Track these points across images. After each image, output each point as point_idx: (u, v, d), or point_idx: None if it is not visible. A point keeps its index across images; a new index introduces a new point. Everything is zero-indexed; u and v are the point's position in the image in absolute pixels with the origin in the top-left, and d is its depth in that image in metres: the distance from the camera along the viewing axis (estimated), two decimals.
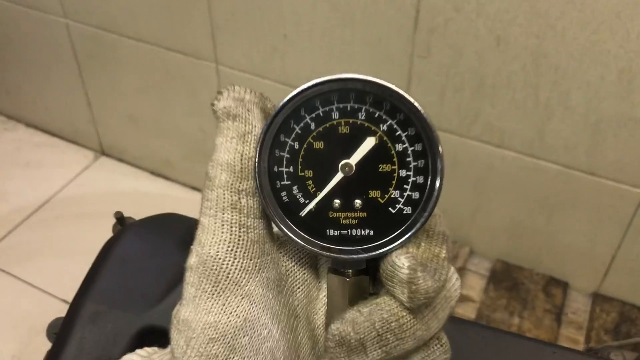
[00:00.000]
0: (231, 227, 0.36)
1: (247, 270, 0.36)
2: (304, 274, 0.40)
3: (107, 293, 0.49)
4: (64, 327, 0.50)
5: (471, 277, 1.56)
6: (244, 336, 0.35)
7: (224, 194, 0.36)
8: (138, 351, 0.39)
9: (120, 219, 0.61)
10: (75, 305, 0.52)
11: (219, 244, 0.35)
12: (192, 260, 0.36)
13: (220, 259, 0.35)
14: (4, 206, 1.97)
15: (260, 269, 0.36)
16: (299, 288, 0.40)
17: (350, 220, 0.38)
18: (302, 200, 0.38)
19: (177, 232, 0.55)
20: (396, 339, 0.35)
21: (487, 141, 1.42)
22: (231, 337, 0.35)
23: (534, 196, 1.46)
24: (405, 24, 1.33)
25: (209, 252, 0.35)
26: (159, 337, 0.48)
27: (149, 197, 1.97)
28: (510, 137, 1.39)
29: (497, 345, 0.53)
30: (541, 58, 1.25)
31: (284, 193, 0.38)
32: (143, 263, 0.43)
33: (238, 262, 0.35)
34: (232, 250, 0.35)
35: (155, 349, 0.39)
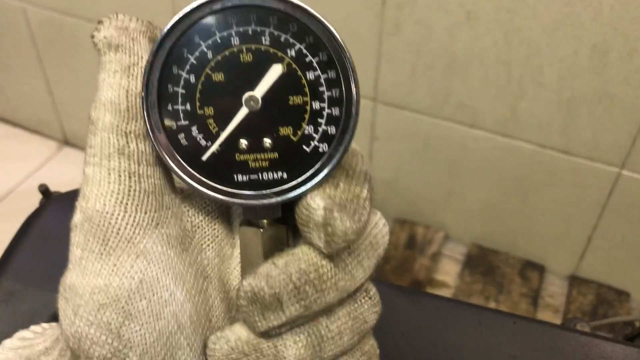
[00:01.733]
0: (119, 175, 0.30)
1: (142, 225, 0.31)
2: (214, 229, 0.35)
3: (24, 271, 0.43)
4: None
5: (446, 262, 1.53)
6: (140, 300, 0.30)
7: (109, 138, 0.30)
8: (32, 327, 0.34)
9: (45, 191, 0.56)
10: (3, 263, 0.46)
11: (106, 196, 0.30)
12: (76, 217, 0.31)
13: (108, 213, 0.30)
14: None
15: (158, 224, 0.31)
16: (208, 245, 0.35)
17: (260, 162, 0.33)
18: (203, 142, 0.32)
19: None
20: (316, 291, 0.31)
21: (460, 121, 1.38)
22: (125, 302, 0.29)
23: (509, 177, 1.42)
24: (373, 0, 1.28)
25: (95, 207, 0.30)
26: None
27: None
28: (483, 116, 1.35)
29: (452, 315, 0.48)
30: (513, 33, 1.21)
31: (181, 135, 0.32)
32: (66, 238, 0.38)
33: (130, 216, 0.30)
34: (121, 202, 0.30)
35: (53, 324, 0.34)
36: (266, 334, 0.32)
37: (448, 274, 1.50)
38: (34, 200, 1.96)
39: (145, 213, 0.31)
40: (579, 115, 1.26)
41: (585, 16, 1.14)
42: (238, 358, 0.32)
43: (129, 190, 0.30)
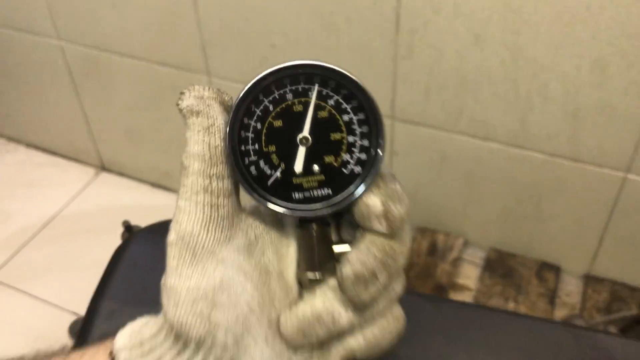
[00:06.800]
0: (204, 207, 0.42)
1: (220, 241, 0.42)
2: (271, 236, 0.46)
3: (121, 293, 0.54)
4: (84, 326, 0.55)
5: (467, 266, 1.62)
6: (222, 294, 0.41)
7: (197, 179, 0.42)
8: (133, 323, 0.44)
9: (128, 227, 0.67)
10: (93, 306, 0.57)
11: (194, 222, 0.41)
12: (171, 236, 0.42)
13: (195, 234, 0.41)
14: (10, 226, 2.02)
15: (230, 239, 0.43)
16: (268, 249, 0.46)
17: (311, 183, 0.44)
18: (268, 172, 0.44)
19: None
20: (393, 261, 0.42)
21: (474, 135, 1.47)
22: (212, 296, 0.41)
23: (522, 185, 1.51)
24: (387, 27, 1.38)
25: (186, 229, 0.41)
26: None
27: (151, 208, 2.03)
28: (494, 129, 1.44)
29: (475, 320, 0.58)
30: (518, 52, 1.31)
31: (252, 167, 0.44)
32: (153, 267, 0.48)
33: (211, 235, 0.42)
34: (205, 226, 0.42)
35: (149, 317, 0.44)
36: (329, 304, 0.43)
37: (469, 277, 1.59)
38: (77, 224, 2.09)
39: (222, 232, 0.42)
40: (584, 125, 1.35)
41: (585, 34, 1.23)
42: (304, 326, 0.43)
43: (210, 217, 0.42)
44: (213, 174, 0.42)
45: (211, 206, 0.42)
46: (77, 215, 2.05)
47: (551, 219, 1.54)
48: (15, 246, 1.94)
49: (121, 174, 2.17)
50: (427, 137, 1.54)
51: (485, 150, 1.49)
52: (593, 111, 1.32)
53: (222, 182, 0.42)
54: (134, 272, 0.57)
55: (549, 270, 1.58)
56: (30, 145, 2.29)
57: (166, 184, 2.08)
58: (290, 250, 0.46)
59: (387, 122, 1.55)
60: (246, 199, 0.45)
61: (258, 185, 0.44)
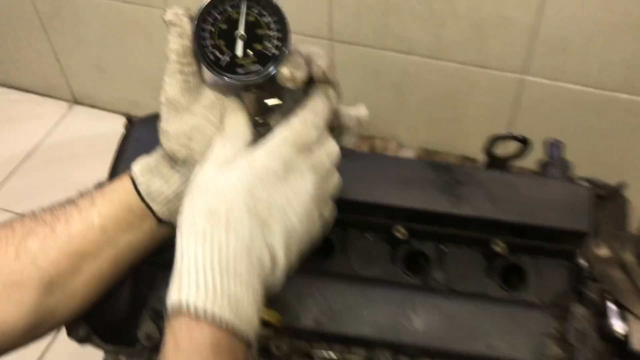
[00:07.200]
0: (180, 82, 0.67)
1: (191, 101, 0.68)
2: (228, 97, 0.71)
3: (134, 157, 0.79)
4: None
5: None
6: (196, 132, 0.68)
7: (175, 65, 0.67)
8: (141, 157, 0.71)
9: (129, 118, 0.92)
10: (113, 169, 0.84)
11: (175, 91, 0.67)
12: (162, 99, 0.68)
13: (176, 98, 0.67)
14: None
15: (199, 101, 0.69)
16: (224, 104, 0.71)
17: (248, 62, 0.68)
18: (220, 57, 0.68)
19: None
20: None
21: (399, 50, 1.74)
22: (189, 133, 0.68)
23: (441, 91, 1.80)
24: None
25: (170, 95, 0.67)
26: None
27: None
28: (416, 44, 1.71)
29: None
30: None
31: (210, 55, 0.68)
32: (153, 142, 0.74)
33: (186, 99, 0.68)
34: (182, 93, 0.67)
35: (151, 153, 0.71)
36: None
37: None
38: (59, 153, 2.31)
39: (193, 97, 0.68)
40: (487, 36, 1.62)
41: None
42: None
43: (184, 88, 0.67)
44: (184, 62, 0.67)
45: (184, 81, 0.67)
46: (57, 145, 2.27)
47: (466, 118, 1.84)
48: (4, 175, 2.17)
49: (93, 106, 2.38)
50: (361, 55, 1.80)
51: (409, 63, 1.76)
52: (493, 24, 1.60)
53: (190, 67, 0.67)
54: (140, 146, 0.83)
55: (469, 163, 1.89)
56: (4, 84, 2.47)
57: (136, 113, 2.29)
58: (239, 105, 0.72)
59: (326, 43, 1.80)
60: (208, 76, 0.71)
61: (215, 66, 0.68)
